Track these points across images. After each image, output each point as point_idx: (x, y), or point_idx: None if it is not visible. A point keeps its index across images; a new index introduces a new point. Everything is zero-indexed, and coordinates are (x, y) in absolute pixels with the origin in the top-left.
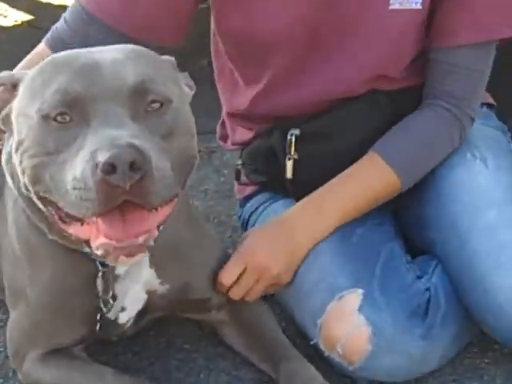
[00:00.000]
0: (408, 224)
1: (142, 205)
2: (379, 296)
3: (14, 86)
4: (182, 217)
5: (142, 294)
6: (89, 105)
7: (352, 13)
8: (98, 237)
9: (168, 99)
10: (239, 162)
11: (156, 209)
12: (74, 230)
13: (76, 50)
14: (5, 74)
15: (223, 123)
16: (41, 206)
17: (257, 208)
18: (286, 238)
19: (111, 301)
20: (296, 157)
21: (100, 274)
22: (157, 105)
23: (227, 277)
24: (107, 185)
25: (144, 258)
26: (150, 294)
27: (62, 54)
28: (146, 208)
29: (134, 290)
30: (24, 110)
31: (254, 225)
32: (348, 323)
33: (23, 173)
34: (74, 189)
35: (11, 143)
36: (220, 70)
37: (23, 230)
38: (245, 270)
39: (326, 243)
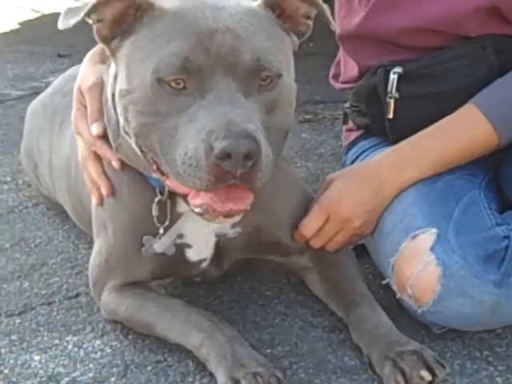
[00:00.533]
0: (506, 178)
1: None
2: (453, 237)
3: (142, 14)
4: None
5: (211, 237)
6: (206, 77)
7: None
8: (198, 196)
9: (279, 74)
10: (346, 104)
11: None
12: (172, 184)
13: (202, 4)
14: None
15: (338, 63)
16: (138, 151)
17: (359, 155)
18: (373, 186)
19: (161, 230)
20: (397, 96)
21: (156, 200)
22: (269, 80)
23: (308, 228)
24: (219, 169)
25: None
26: (220, 236)
27: (189, 6)
28: (251, 190)
29: (202, 231)
30: (139, 58)
31: None
32: (419, 262)
33: (126, 120)
34: (184, 163)
35: (112, 78)
36: None
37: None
38: (327, 219)
39: (410, 187)
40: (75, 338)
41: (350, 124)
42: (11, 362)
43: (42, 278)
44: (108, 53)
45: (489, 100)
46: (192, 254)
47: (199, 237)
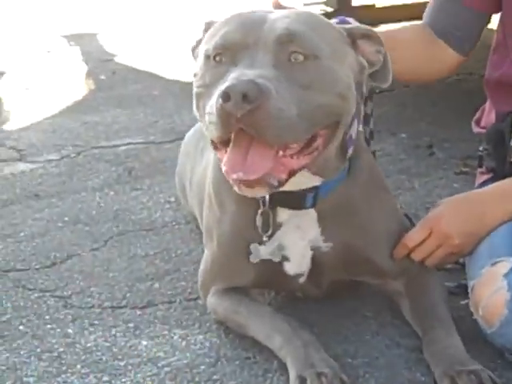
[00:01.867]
0: None
1: (267, 144)
2: None
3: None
4: (362, 176)
5: (308, 251)
6: (239, 50)
7: None
8: (226, 168)
9: (313, 54)
10: (480, 147)
11: (292, 156)
12: (220, 155)
13: (258, 9)
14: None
15: (483, 107)
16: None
17: None
18: (475, 211)
19: (266, 238)
20: None
21: (260, 211)
22: (300, 57)
23: (412, 239)
24: (223, 111)
25: (312, 216)
26: (315, 250)
27: (247, 11)
28: (267, 143)
29: (299, 244)
30: (201, 49)
31: None
32: (492, 286)
33: (193, 96)
34: (207, 113)
35: None
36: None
37: (217, 177)
38: (429, 235)
39: (506, 223)
40: (182, 332)
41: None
42: (122, 343)
43: (172, 282)
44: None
45: None
46: (289, 268)
47: (296, 249)
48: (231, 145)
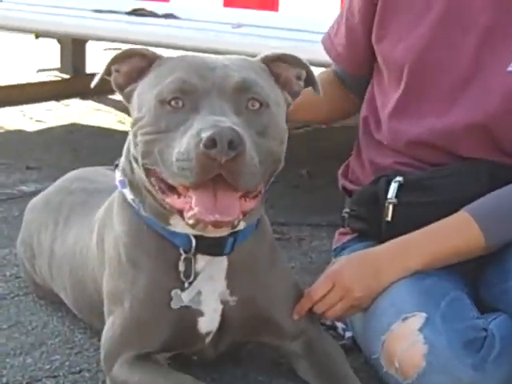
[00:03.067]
0: (485, 284)
1: (231, 187)
2: (440, 322)
3: (150, 64)
4: (268, 234)
5: (218, 304)
6: (200, 96)
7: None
8: (190, 208)
9: (266, 102)
10: (346, 209)
11: (244, 198)
12: (171, 200)
13: (200, 55)
14: (150, 51)
15: (348, 164)
16: (144, 177)
17: None
18: (372, 267)
19: (187, 284)
20: (396, 202)
21: (183, 257)
22: (256, 105)
23: (317, 291)
24: (206, 157)
25: (223, 266)
26: (224, 304)
27: (189, 55)
28: (235, 188)
29: (212, 297)
30: (146, 91)
31: None
32: (408, 340)
33: (136, 145)
34: (177, 160)
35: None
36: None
37: (125, 238)
38: (332, 288)
39: (402, 280)
40: None
41: (343, 229)
42: None
43: (44, 356)
44: (123, 99)
45: (479, 209)
46: (203, 324)
47: (210, 300)
48: (199, 189)
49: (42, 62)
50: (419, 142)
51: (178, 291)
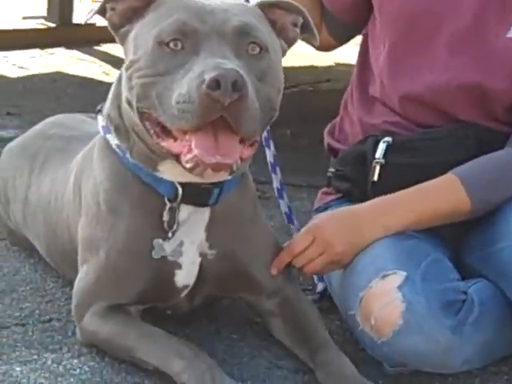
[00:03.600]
0: (468, 249)
1: (232, 131)
2: (419, 281)
3: (149, 4)
4: (251, 188)
5: (197, 257)
6: (200, 39)
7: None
8: (189, 151)
9: (265, 47)
10: (331, 169)
11: (243, 145)
12: (167, 144)
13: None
14: None
15: (335, 123)
16: (138, 120)
17: None
18: (354, 223)
19: (171, 234)
20: (383, 162)
21: (167, 207)
22: (256, 49)
23: (297, 245)
24: (209, 99)
25: (205, 218)
26: (202, 257)
27: None
28: (237, 132)
29: (191, 249)
30: (144, 32)
31: None
32: (385, 297)
33: (131, 89)
34: (178, 103)
35: (123, 69)
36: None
37: (107, 184)
38: (312, 242)
39: (383, 238)
40: (53, 356)
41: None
42: None
43: (14, 303)
44: (118, 40)
45: (467, 173)
46: (180, 277)
47: (189, 253)
48: (199, 132)
49: (28, 9)
50: (412, 98)
51: (160, 241)
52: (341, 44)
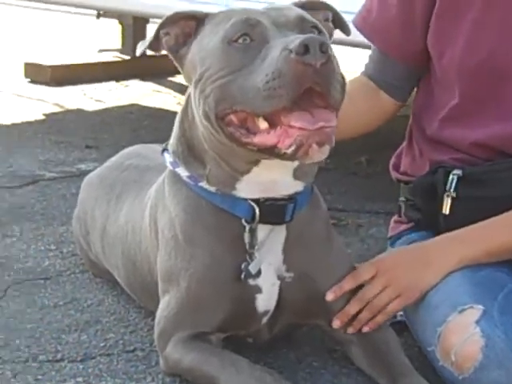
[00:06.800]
0: None
1: (324, 102)
2: (497, 315)
3: (198, 23)
4: (320, 213)
5: (275, 279)
6: (266, 29)
7: None
8: (287, 136)
9: (323, 30)
10: (402, 198)
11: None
12: (260, 139)
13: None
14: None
15: (400, 155)
16: (218, 134)
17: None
18: (422, 258)
19: (256, 254)
20: (454, 195)
21: (247, 228)
22: (316, 31)
23: (359, 275)
24: (301, 65)
25: (279, 240)
26: (281, 280)
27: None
28: (327, 98)
29: (270, 271)
30: (206, 43)
31: None
32: (464, 332)
33: (206, 98)
34: (267, 82)
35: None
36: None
37: (183, 216)
38: (375, 275)
39: (456, 271)
40: None
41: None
42: None
43: (98, 333)
44: (178, 65)
45: None
46: (261, 301)
47: (268, 275)
48: (293, 111)
49: (103, 42)
50: (480, 145)
51: (246, 263)
52: (404, 101)
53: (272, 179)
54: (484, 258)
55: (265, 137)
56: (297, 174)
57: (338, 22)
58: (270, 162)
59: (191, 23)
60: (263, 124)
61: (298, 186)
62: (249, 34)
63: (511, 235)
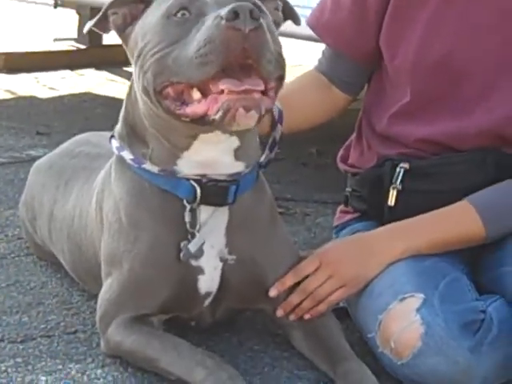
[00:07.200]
0: (484, 269)
1: (257, 75)
2: (438, 303)
3: (145, 6)
4: (264, 198)
5: (218, 261)
6: (206, 4)
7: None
8: (215, 102)
9: (266, 11)
10: (348, 188)
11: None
12: (192, 109)
13: None
14: None
15: (348, 147)
16: (157, 106)
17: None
18: (364, 246)
19: (196, 233)
20: (400, 188)
21: (188, 208)
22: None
23: (303, 268)
24: (230, 30)
25: (221, 222)
26: (223, 262)
27: None
28: (257, 66)
29: (212, 253)
30: (150, 17)
31: None
32: (405, 320)
33: (145, 73)
34: (199, 50)
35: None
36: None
37: (127, 199)
38: (318, 266)
39: (401, 261)
40: (77, 366)
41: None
42: (19, 379)
43: (40, 315)
44: (123, 43)
45: (483, 201)
46: (203, 283)
47: (210, 257)
48: (224, 77)
49: (59, 32)
50: (427, 141)
51: (186, 243)
52: (355, 96)
53: (212, 156)
54: (427, 250)
55: (196, 106)
56: (237, 154)
57: (288, 12)
58: (207, 136)
59: (140, 6)
60: (196, 94)
61: (239, 167)
62: (187, 8)
63: (455, 228)
